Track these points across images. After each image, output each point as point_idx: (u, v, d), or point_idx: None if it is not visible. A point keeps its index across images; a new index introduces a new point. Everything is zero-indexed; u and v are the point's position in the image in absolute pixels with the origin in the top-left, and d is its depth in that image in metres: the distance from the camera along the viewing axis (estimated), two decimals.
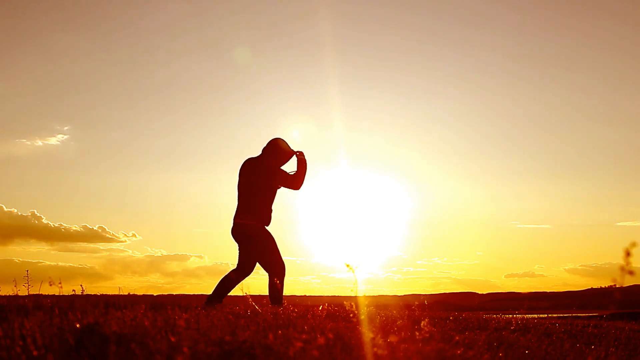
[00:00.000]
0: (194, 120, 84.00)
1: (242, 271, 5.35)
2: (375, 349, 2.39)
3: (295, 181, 5.58)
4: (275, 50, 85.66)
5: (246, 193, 5.48)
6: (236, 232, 5.44)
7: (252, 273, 5.42)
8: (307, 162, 5.65)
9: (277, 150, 5.57)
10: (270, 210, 5.52)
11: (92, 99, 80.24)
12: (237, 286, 5.29)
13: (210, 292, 5.33)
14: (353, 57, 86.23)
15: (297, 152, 5.65)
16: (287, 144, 5.64)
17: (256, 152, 5.68)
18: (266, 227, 5.47)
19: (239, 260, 5.41)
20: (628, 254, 2.14)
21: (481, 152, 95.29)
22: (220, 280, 5.30)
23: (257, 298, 5.31)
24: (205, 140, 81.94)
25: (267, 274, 5.42)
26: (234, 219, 5.49)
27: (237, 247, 5.46)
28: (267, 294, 5.35)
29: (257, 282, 5.55)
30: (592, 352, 3.41)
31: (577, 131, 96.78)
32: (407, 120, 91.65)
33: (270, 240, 5.43)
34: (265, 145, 5.63)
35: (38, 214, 66.96)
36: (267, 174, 5.46)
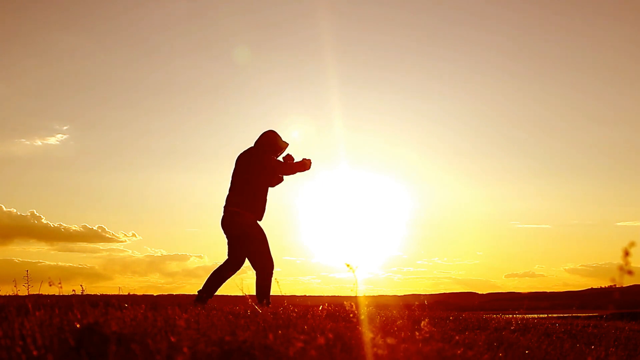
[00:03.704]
0: (194, 120, 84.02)
1: (233, 266, 5.30)
2: (375, 349, 2.39)
3: (283, 167, 5.52)
4: (275, 50, 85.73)
5: (238, 184, 5.44)
6: (227, 223, 5.36)
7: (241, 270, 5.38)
8: (309, 167, 5.60)
9: (267, 141, 5.58)
10: (264, 205, 5.46)
11: (91, 99, 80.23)
12: (237, 286, 5.28)
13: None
14: (353, 57, 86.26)
15: (307, 159, 5.59)
16: (279, 137, 5.64)
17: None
18: (258, 222, 5.43)
19: (229, 255, 5.34)
20: (627, 253, 2.14)
21: (481, 152, 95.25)
22: (211, 275, 5.25)
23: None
24: (205, 140, 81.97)
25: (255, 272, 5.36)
26: (226, 207, 5.42)
27: (227, 241, 5.38)
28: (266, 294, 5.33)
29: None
30: (592, 352, 3.41)
31: (577, 131, 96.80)
32: (407, 120, 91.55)
33: (262, 236, 5.37)
34: (258, 137, 5.65)
35: (37, 214, 66.85)
36: (258, 165, 5.44)
